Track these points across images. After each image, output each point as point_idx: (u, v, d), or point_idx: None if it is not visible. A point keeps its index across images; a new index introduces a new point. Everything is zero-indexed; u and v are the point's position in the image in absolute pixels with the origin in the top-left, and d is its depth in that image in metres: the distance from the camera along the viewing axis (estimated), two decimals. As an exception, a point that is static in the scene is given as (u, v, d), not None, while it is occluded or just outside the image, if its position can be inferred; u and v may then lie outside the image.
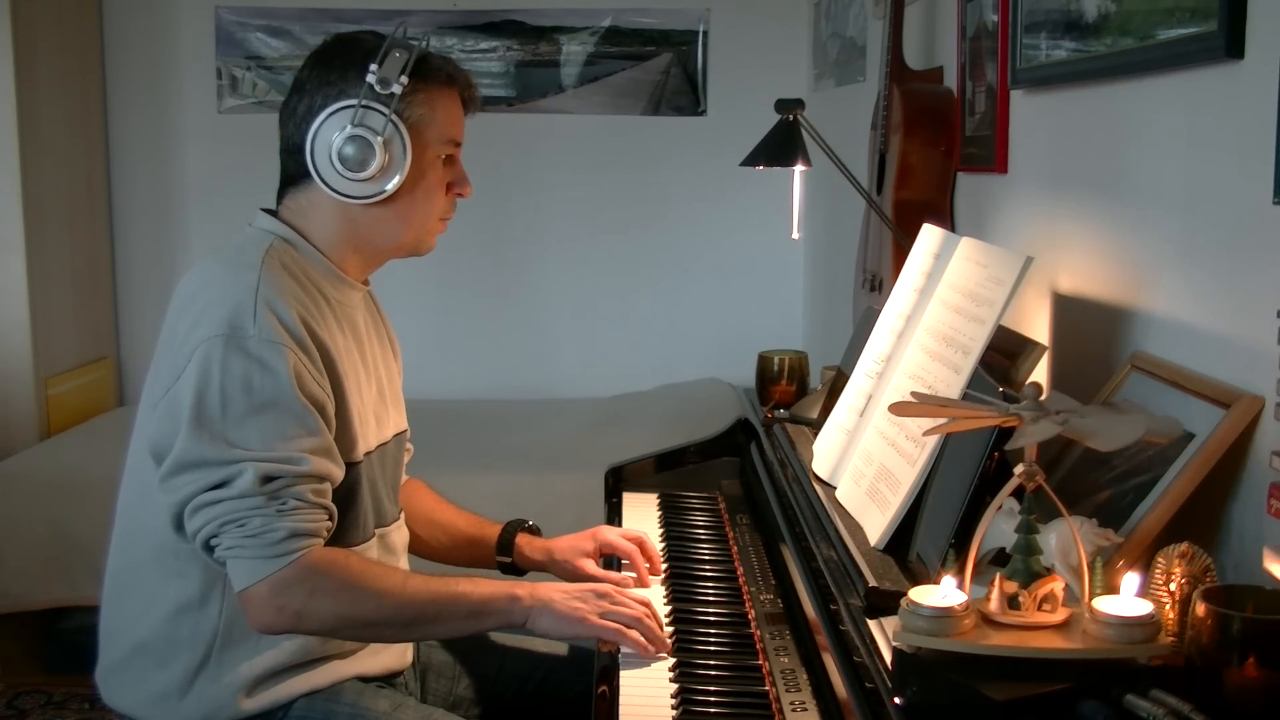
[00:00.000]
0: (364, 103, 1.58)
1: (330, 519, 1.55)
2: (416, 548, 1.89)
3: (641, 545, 1.87)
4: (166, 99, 4.37)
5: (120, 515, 1.67)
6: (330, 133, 1.59)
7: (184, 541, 1.54)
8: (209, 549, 1.51)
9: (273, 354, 1.50)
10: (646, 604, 1.62)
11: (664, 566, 1.87)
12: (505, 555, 1.92)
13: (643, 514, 2.11)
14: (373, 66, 1.58)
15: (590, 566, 1.86)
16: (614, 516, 2.11)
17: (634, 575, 1.83)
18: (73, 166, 4.08)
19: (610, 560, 1.88)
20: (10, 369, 3.76)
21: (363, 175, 1.58)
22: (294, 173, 1.65)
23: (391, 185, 1.60)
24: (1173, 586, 1.16)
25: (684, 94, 4.45)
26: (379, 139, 1.57)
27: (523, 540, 1.92)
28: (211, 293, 1.55)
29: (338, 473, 1.57)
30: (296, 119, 1.63)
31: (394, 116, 1.58)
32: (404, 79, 1.58)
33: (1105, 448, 1.18)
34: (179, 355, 1.52)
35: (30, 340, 3.76)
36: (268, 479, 1.48)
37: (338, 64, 1.62)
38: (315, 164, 1.60)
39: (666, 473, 2.28)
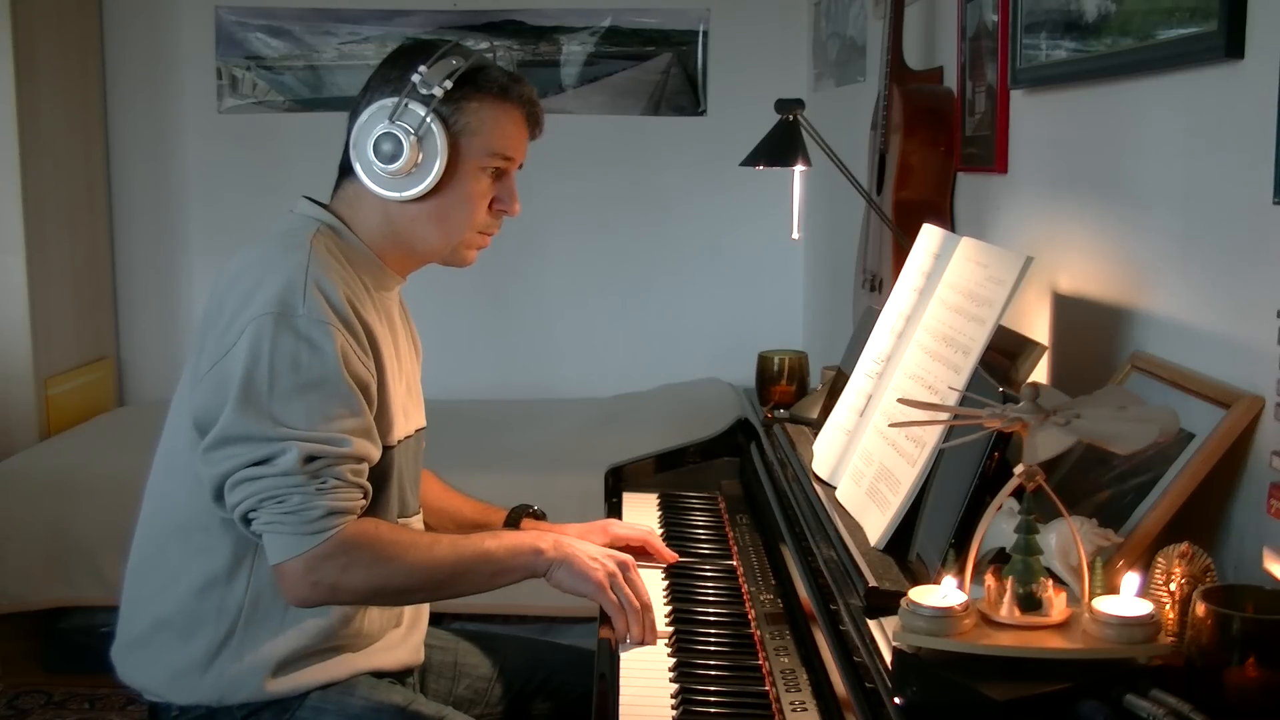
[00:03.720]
0: (404, 100, 1.60)
1: (365, 497, 1.58)
2: None
3: (647, 542, 1.88)
4: (166, 99, 4.37)
5: (149, 494, 1.69)
6: (371, 125, 1.62)
7: (222, 511, 1.56)
8: (246, 521, 1.53)
9: (321, 334, 1.52)
10: (646, 599, 1.64)
11: (663, 566, 1.87)
12: None
13: (643, 514, 2.10)
14: (421, 67, 1.60)
15: None
16: (614, 517, 2.10)
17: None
18: (73, 166, 4.08)
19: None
20: (10, 369, 3.76)
21: (393, 168, 1.60)
22: (346, 163, 1.68)
23: (422, 185, 1.62)
24: (1173, 586, 1.16)
25: (684, 94, 4.45)
26: (412, 137, 1.59)
27: (528, 525, 1.93)
28: (262, 270, 1.57)
29: (375, 453, 1.59)
30: (356, 111, 1.66)
31: (430, 116, 1.60)
32: (447, 83, 1.60)
33: (1124, 450, 1.18)
34: (230, 331, 1.54)
35: (30, 340, 3.76)
36: (310, 459, 1.50)
37: (401, 63, 1.65)
38: (355, 153, 1.63)
39: (666, 473, 2.28)
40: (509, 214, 1.72)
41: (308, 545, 1.51)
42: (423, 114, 1.60)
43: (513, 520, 1.94)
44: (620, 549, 1.87)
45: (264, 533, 1.53)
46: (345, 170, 1.69)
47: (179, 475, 1.61)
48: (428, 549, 1.60)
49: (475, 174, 1.66)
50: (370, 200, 1.66)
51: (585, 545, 1.68)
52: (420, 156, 1.61)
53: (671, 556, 1.87)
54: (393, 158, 1.60)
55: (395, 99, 1.61)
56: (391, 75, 1.65)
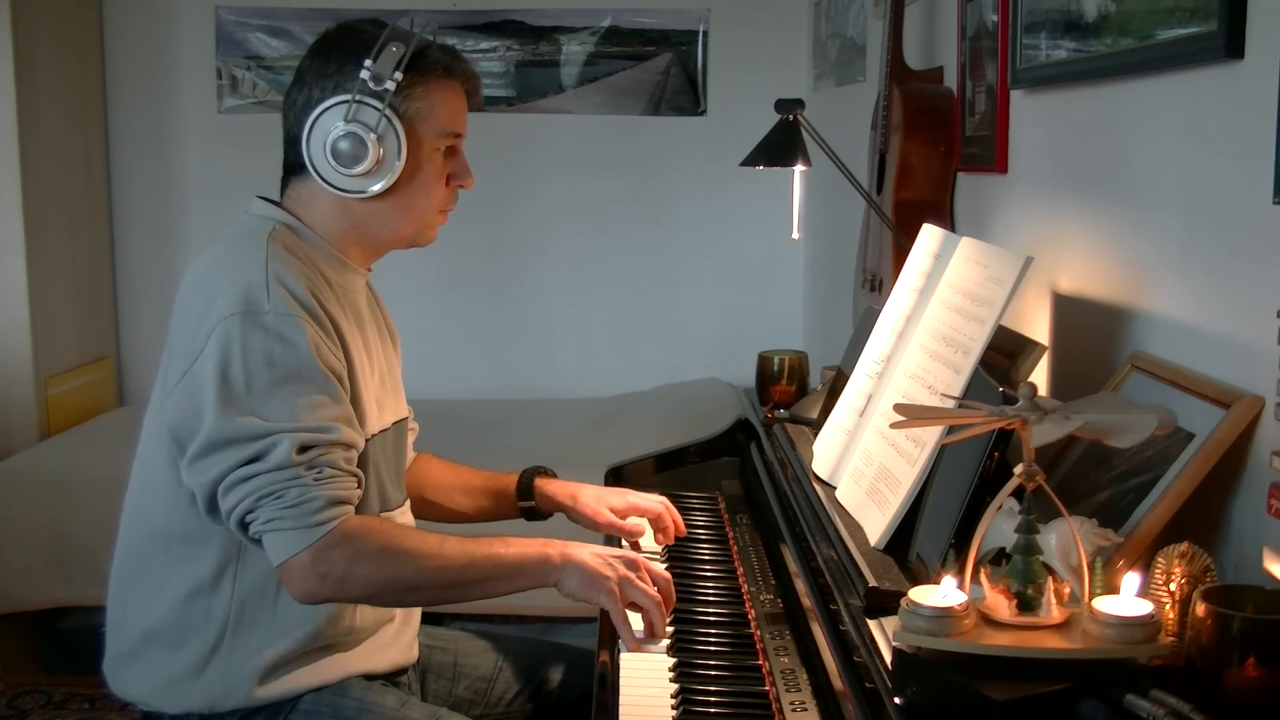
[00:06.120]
0: (358, 98, 1.58)
1: (359, 485, 1.55)
2: (439, 515, 1.91)
3: (662, 516, 1.90)
4: (166, 99, 4.37)
5: (127, 509, 1.68)
6: (325, 127, 1.59)
7: (216, 523, 1.54)
8: (244, 526, 1.50)
9: (290, 326, 1.51)
10: (667, 580, 1.61)
11: (664, 564, 1.87)
12: (527, 499, 1.92)
13: (643, 514, 2.10)
14: (367, 61, 1.58)
15: (610, 517, 1.88)
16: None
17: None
18: (73, 166, 4.08)
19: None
20: (10, 369, 3.76)
21: (356, 170, 1.59)
22: (294, 163, 1.65)
23: (385, 181, 1.60)
24: (1173, 586, 1.16)
25: (684, 94, 4.45)
26: (372, 135, 1.58)
27: (543, 482, 1.92)
28: (221, 274, 1.56)
29: (360, 441, 1.58)
30: (296, 110, 1.63)
31: (388, 112, 1.58)
32: (398, 74, 1.58)
33: (1124, 444, 1.18)
34: (195, 338, 1.52)
35: (30, 340, 3.76)
36: (304, 448, 1.48)
37: (336, 56, 1.61)
38: (311, 158, 1.60)
39: (666, 473, 2.28)
40: (465, 187, 1.70)
41: (313, 538, 1.47)
42: (379, 110, 1.58)
43: (525, 481, 1.92)
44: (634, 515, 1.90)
45: (264, 533, 1.49)
46: (292, 168, 1.66)
47: (155, 488, 1.59)
48: (437, 545, 1.56)
49: (431, 156, 1.64)
50: (326, 199, 1.63)
51: (593, 549, 1.61)
52: (381, 153, 1.59)
53: (672, 534, 1.90)
54: (355, 159, 1.58)
55: (346, 97, 1.58)
56: (329, 70, 1.61)
